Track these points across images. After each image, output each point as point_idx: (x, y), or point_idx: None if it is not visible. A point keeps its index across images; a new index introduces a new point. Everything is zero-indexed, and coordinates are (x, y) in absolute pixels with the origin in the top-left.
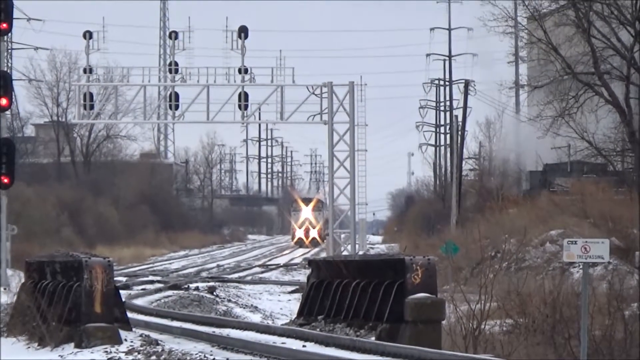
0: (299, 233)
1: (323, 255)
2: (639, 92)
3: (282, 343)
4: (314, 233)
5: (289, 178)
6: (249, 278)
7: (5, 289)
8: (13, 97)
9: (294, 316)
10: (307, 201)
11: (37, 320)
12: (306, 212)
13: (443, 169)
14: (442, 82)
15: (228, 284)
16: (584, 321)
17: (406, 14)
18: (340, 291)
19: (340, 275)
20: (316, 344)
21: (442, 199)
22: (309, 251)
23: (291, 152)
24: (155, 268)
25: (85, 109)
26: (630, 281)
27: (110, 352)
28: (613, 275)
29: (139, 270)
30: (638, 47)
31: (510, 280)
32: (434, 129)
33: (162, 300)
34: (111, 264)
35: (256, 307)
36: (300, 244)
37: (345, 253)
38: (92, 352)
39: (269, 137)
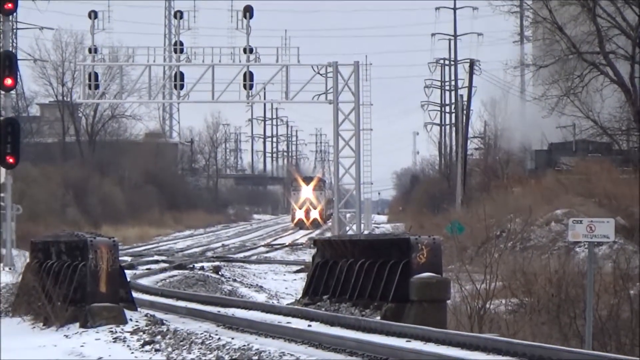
0: (299, 214)
1: (328, 235)
2: None
3: (288, 323)
4: (315, 214)
5: (294, 157)
6: (254, 258)
7: (10, 268)
8: (18, 76)
9: (299, 296)
10: (307, 180)
11: (42, 300)
12: (307, 191)
13: (448, 148)
14: (447, 62)
15: (233, 263)
16: (590, 300)
17: None
18: (346, 271)
19: (345, 255)
20: (321, 323)
21: (447, 178)
22: (311, 232)
23: (296, 131)
24: (160, 248)
25: (90, 88)
26: (635, 260)
27: (116, 331)
28: (618, 254)
29: (144, 250)
30: None
31: (515, 259)
32: (439, 109)
33: (167, 280)
34: (116, 244)
35: (261, 287)
36: (300, 225)
37: (350, 232)
38: (97, 332)
39: (274, 116)
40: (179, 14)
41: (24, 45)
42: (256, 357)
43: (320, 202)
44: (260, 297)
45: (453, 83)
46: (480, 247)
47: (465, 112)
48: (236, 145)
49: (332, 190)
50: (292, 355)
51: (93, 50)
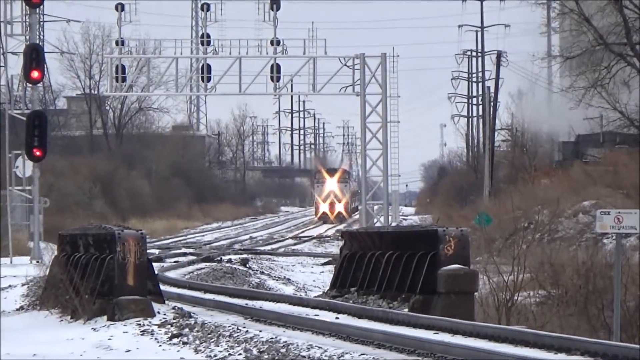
0: (324, 207)
1: (356, 227)
2: None
3: (315, 315)
4: (339, 207)
5: (321, 150)
6: (281, 250)
7: (38, 261)
8: (45, 69)
9: (327, 288)
10: (331, 172)
11: (70, 293)
12: (331, 184)
13: (475, 140)
14: (474, 53)
15: (261, 256)
16: (617, 292)
17: None
18: (373, 263)
19: (373, 247)
20: (349, 315)
21: (475, 170)
22: (335, 226)
23: (323, 123)
24: (187, 240)
25: (117, 81)
26: None
27: (143, 324)
28: None
29: (172, 242)
30: None
31: (543, 251)
32: (466, 100)
33: (195, 273)
34: (144, 237)
35: (289, 279)
36: (324, 219)
37: (378, 224)
38: (125, 325)
39: (301, 108)
40: (205, 7)
41: (52, 38)
42: (284, 350)
43: (345, 194)
44: (288, 290)
45: (480, 75)
46: (507, 238)
47: (492, 103)
48: (263, 138)
49: (357, 182)
50: (319, 347)
51: (120, 43)
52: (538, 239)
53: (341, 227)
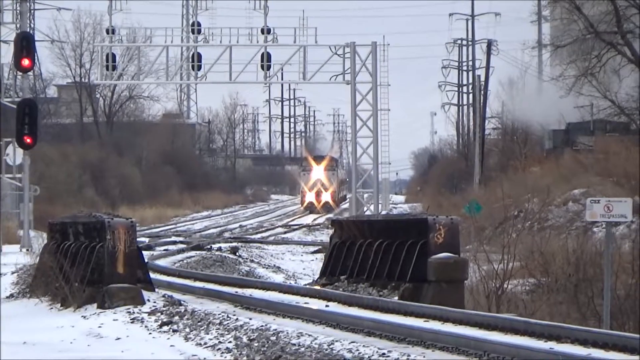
0: (310, 197)
1: (346, 215)
2: None
3: (305, 303)
4: (326, 197)
5: (312, 137)
6: (271, 238)
7: (28, 250)
8: (35, 58)
9: (317, 276)
10: (318, 160)
11: (60, 281)
12: (318, 172)
13: (466, 128)
14: (464, 42)
15: (251, 244)
16: (607, 280)
17: None
18: (363, 251)
19: (363, 235)
20: (339, 303)
21: (465, 158)
22: (321, 215)
23: (314, 111)
24: (178, 228)
25: (108, 69)
26: None
27: (133, 312)
28: (637, 234)
29: (162, 230)
30: None
31: (533, 239)
32: (456, 89)
33: (185, 261)
34: (134, 225)
35: (279, 268)
36: (310, 209)
37: (368, 213)
38: (114, 313)
39: (292, 97)
40: None
41: (42, 26)
42: (274, 338)
43: (333, 183)
44: (278, 278)
45: (470, 63)
46: (497, 227)
47: (482, 92)
48: (254, 126)
49: (345, 170)
50: (309, 335)
51: (111, 31)
52: (528, 227)
53: (331, 215)
